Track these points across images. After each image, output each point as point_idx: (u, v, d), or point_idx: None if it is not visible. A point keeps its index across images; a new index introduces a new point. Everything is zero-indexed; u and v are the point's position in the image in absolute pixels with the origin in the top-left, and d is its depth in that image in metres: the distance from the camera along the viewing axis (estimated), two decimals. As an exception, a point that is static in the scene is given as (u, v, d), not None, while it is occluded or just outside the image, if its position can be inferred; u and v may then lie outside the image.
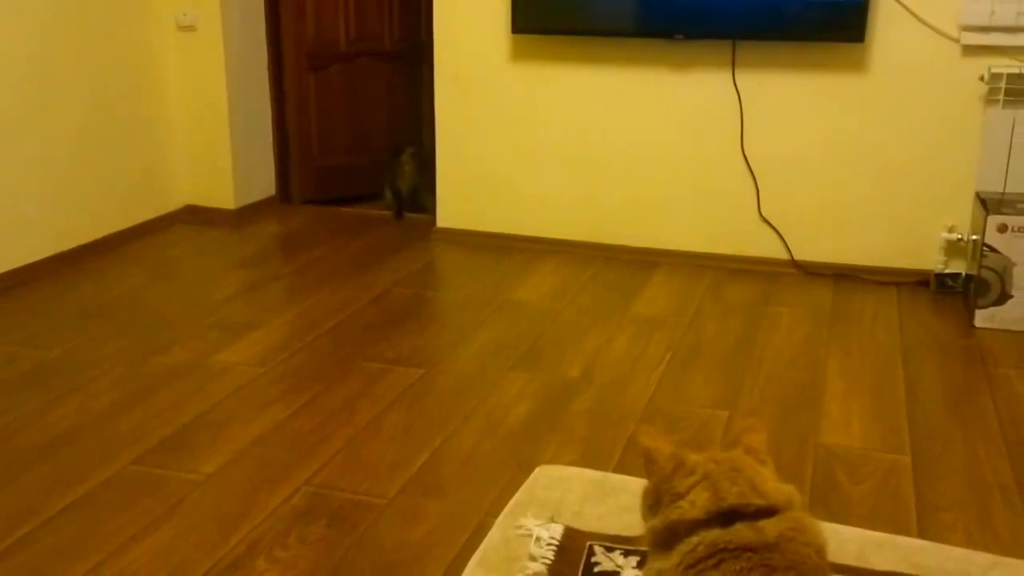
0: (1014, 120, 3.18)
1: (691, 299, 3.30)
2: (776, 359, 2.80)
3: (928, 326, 3.08)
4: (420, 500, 2.04)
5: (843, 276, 3.48)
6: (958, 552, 1.41)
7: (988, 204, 3.06)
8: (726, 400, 2.53)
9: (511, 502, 1.61)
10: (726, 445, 1.38)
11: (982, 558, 1.22)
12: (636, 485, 1.47)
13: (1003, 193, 3.21)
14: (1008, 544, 1.88)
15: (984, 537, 1.90)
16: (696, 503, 1.19)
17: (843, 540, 1.24)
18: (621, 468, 2.14)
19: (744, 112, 3.48)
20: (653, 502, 1.25)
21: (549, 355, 2.81)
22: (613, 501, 1.37)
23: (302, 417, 2.42)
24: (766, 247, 3.58)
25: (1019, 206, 3.05)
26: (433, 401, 2.51)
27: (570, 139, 3.71)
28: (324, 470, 2.16)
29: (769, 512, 1.18)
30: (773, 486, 1.23)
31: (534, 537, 1.55)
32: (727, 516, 1.18)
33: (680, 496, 1.21)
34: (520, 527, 1.35)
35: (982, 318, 3.03)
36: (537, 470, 1.55)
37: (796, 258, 3.55)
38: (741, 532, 1.16)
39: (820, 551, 1.16)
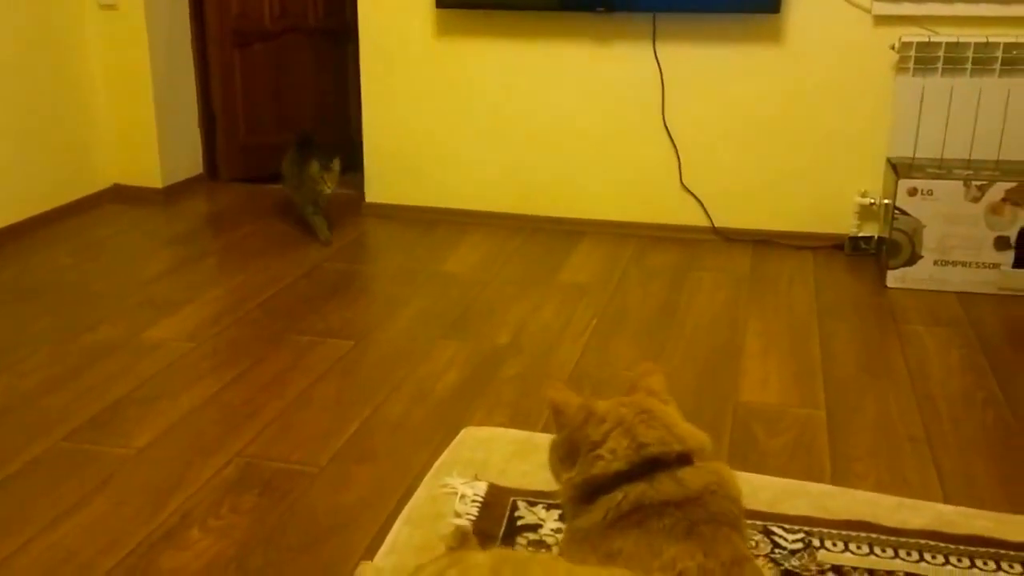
0: (923, 88, 3.30)
1: (615, 267, 3.38)
2: (697, 322, 2.90)
3: (842, 287, 3.20)
4: (351, 467, 2.08)
5: (762, 242, 3.59)
6: (865, 496, 1.50)
7: (899, 169, 3.18)
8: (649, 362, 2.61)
9: (437, 462, 1.66)
10: (627, 390, 1.43)
11: (888, 500, 1.30)
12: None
13: (913, 158, 3.33)
14: (917, 490, 1.98)
15: (894, 484, 2.00)
16: (617, 452, 1.19)
17: (756, 488, 1.31)
18: (548, 430, 2.19)
19: (665, 84, 3.56)
20: (566, 454, 1.26)
21: (478, 324, 2.87)
22: (537, 459, 1.42)
23: (233, 390, 2.44)
24: (688, 215, 3.67)
25: (928, 170, 3.17)
26: (364, 371, 2.55)
27: (496, 113, 3.75)
28: (256, 441, 2.19)
29: (687, 458, 1.20)
30: (687, 429, 1.27)
31: (459, 495, 1.60)
32: (649, 465, 1.19)
33: (597, 444, 1.21)
34: (445, 485, 1.40)
35: (893, 278, 3.16)
36: (463, 431, 1.59)
37: (716, 225, 3.65)
38: (664, 486, 1.16)
39: (737, 502, 1.19)
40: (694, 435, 1.27)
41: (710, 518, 1.15)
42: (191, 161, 4.37)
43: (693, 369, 2.57)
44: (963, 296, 3.07)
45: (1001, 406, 2.35)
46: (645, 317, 2.93)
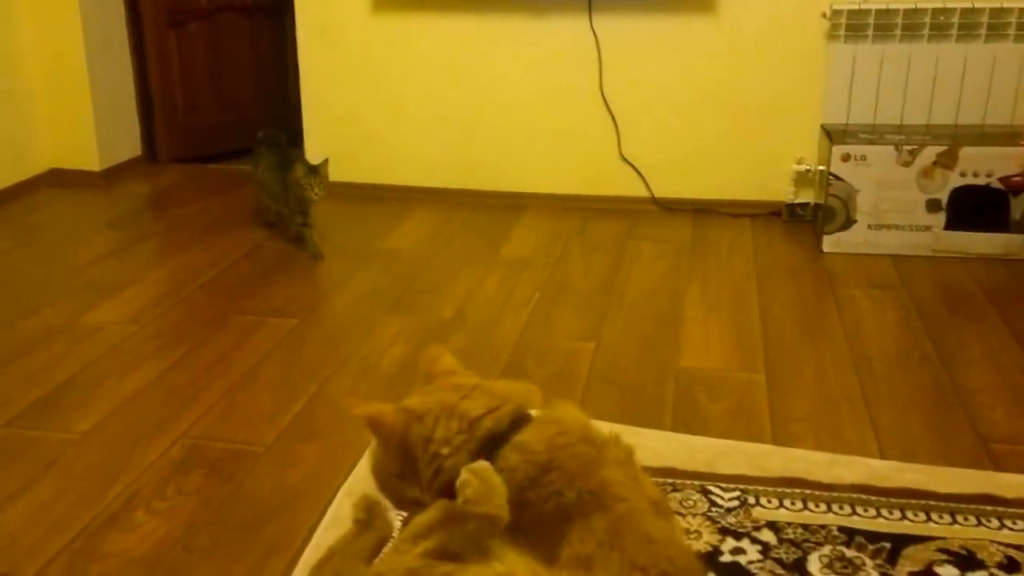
0: (855, 55, 3.35)
1: (558, 240, 3.40)
2: (638, 291, 2.93)
3: (780, 253, 3.26)
4: (297, 445, 2.09)
5: (701, 211, 3.64)
6: (799, 453, 1.54)
7: (833, 135, 3.24)
8: (592, 333, 2.64)
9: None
10: (424, 380, 1.30)
11: (821, 457, 1.34)
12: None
13: (846, 124, 3.39)
14: (854, 448, 2.02)
15: (832, 444, 2.06)
16: (452, 441, 1.06)
17: (694, 450, 1.34)
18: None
19: (602, 55, 3.57)
20: (401, 469, 1.10)
21: (422, 299, 2.87)
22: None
23: (177, 372, 2.42)
24: (628, 186, 3.70)
25: (861, 136, 3.24)
26: (308, 350, 2.55)
27: (435, 87, 3.73)
28: (201, 422, 2.18)
29: (521, 418, 1.09)
30: (504, 385, 1.17)
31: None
32: (489, 444, 1.07)
33: (431, 439, 1.06)
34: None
35: (829, 243, 3.23)
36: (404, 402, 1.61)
37: (656, 196, 3.69)
38: (510, 463, 1.04)
39: (592, 440, 1.09)
40: (515, 387, 1.18)
41: (571, 477, 1.03)
42: (129, 143, 4.29)
43: (635, 338, 2.60)
44: (897, 259, 3.15)
45: (935, 364, 2.42)
46: (587, 288, 2.96)
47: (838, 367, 2.43)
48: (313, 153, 3.89)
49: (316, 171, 3.20)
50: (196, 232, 3.50)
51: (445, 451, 1.05)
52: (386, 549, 1.16)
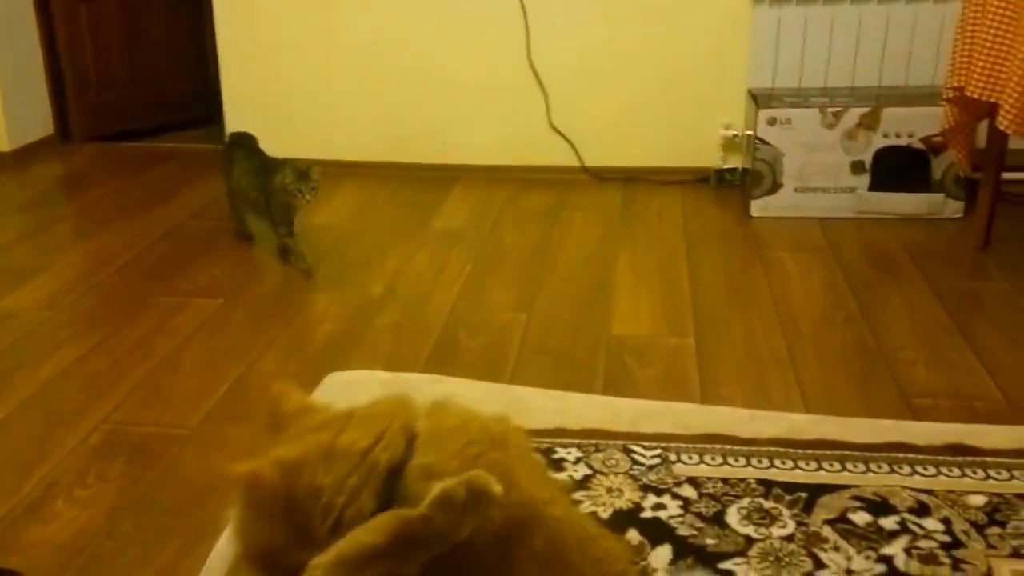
0: (779, 18, 3.37)
1: (489, 211, 3.37)
2: (570, 261, 2.92)
3: (709, 219, 3.27)
4: (224, 427, 2.04)
5: (631, 179, 3.64)
6: (721, 411, 1.54)
7: (759, 99, 3.26)
8: (524, 303, 2.62)
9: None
10: (272, 425, 1.11)
11: (743, 413, 1.34)
12: (427, 381, 1.53)
13: (772, 88, 3.42)
14: (781, 407, 2.05)
15: (759, 403, 2.07)
16: (347, 486, 0.88)
17: (617, 411, 1.33)
18: (429, 369, 2.19)
19: (529, 24, 3.54)
20: (290, 537, 0.90)
21: (351, 275, 2.83)
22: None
23: (95, 357, 2.35)
24: (558, 156, 3.68)
25: (786, 99, 3.26)
26: (234, 330, 2.49)
27: (360, 58, 3.67)
28: (122, 407, 2.11)
29: (413, 437, 0.94)
30: (378, 404, 1.00)
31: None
32: (391, 479, 0.91)
33: (320, 491, 0.89)
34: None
35: (757, 207, 3.25)
36: (327, 377, 1.57)
37: (587, 164, 3.68)
38: (419, 493, 0.88)
39: (494, 441, 0.95)
40: (392, 404, 1.01)
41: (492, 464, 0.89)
42: (41, 122, 4.15)
43: (567, 307, 2.59)
44: (824, 221, 3.18)
45: (859, 323, 2.45)
46: (520, 259, 2.94)
47: (766, 329, 2.45)
48: (235, 129, 3.79)
49: (307, 176, 2.82)
50: (113, 213, 3.39)
51: (341, 500, 0.87)
52: None
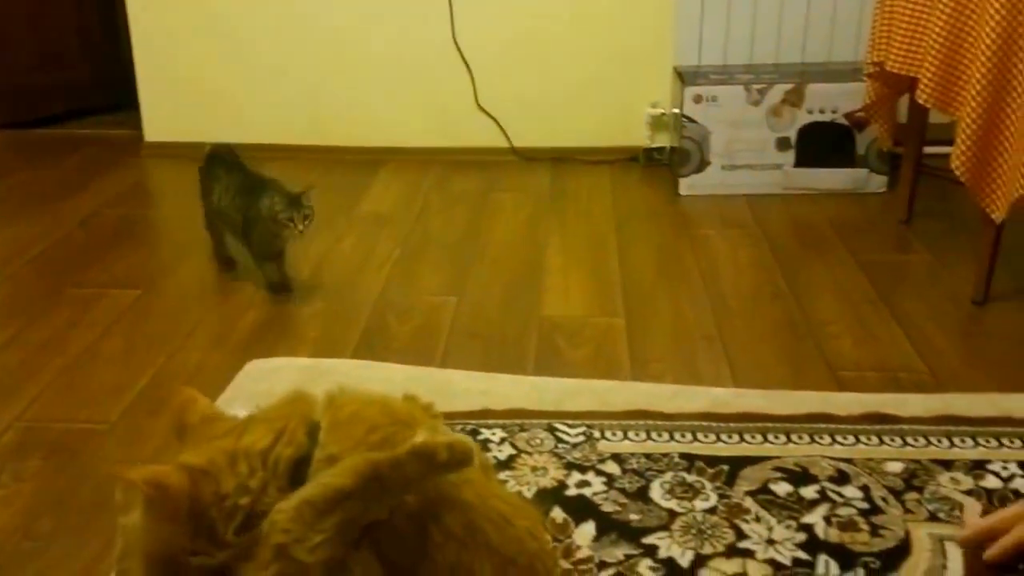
0: (704, -5, 3.39)
1: (417, 194, 3.33)
2: (500, 243, 2.90)
3: (638, 199, 3.28)
4: (145, 420, 1.98)
5: (560, 159, 3.62)
6: (645, 387, 1.54)
7: (685, 77, 3.26)
8: (454, 287, 2.59)
9: (220, 398, 1.60)
10: (179, 432, 1.08)
11: (667, 389, 1.33)
12: (351, 366, 1.50)
13: (698, 66, 3.42)
14: (709, 383, 2.06)
15: (689, 380, 2.08)
16: (251, 486, 0.87)
17: (543, 391, 1.32)
18: (358, 355, 2.17)
19: (453, 2, 3.49)
20: (195, 543, 0.87)
21: (276, 261, 2.77)
22: (322, 382, 1.37)
23: (6, 353, 2.25)
24: (486, 137, 3.64)
25: (712, 77, 3.27)
26: (154, 321, 2.42)
27: (279, 38, 3.58)
28: (36, 404, 2.04)
29: (315, 429, 0.92)
30: (278, 404, 0.97)
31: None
32: (295, 475, 0.89)
33: (225, 496, 0.87)
34: (226, 420, 1.35)
35: (685, 186, 3.26)
36: (247, 364, 1.53)
37: (515, 145, 3.65)
38: (337, 481, 0.86)
39: (399, 422, 0.93)
40: (292, 400, 0.98)
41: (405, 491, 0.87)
42: (-56, 110, 3.99)
43: (497, 290, 2.57)
44: (751, 198, 3.20)
45: (787, 299, 2.47)
46: (448, 242, 2.91)
47: (695, 306, 2.45)
48: (151, 113, 3.70)
49: (298, 202, 2.47)
50: (21, 204, 3.27)
51: (245, 500, 0.86)
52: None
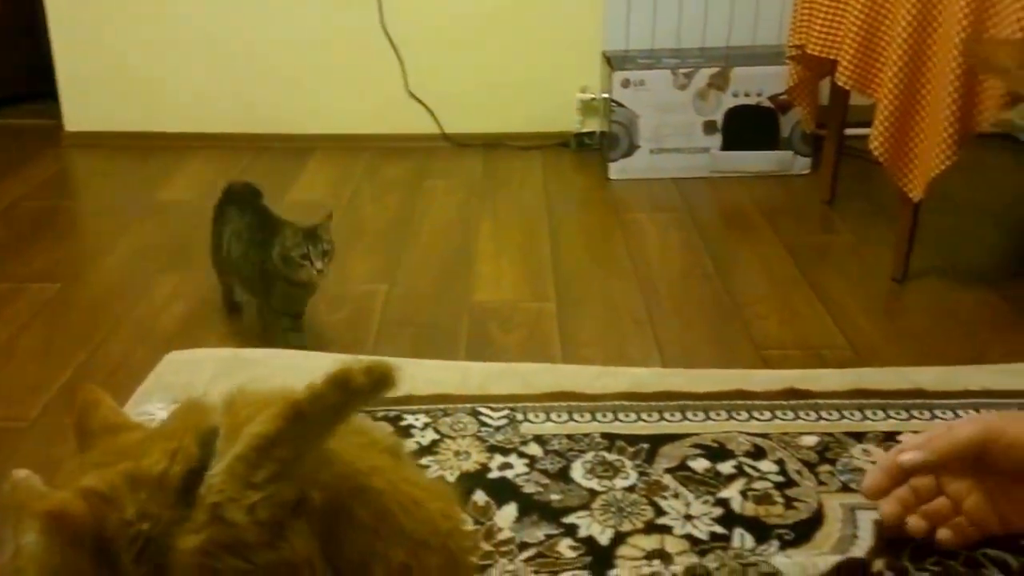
0: (631, -21, 3.40)
1: (348, 182, 3.30)
2: (432, 230, 2.89)
3: (569, 183, 3.29)
4: (66, 417, 1.92)
5: (492, 145, 3.61)
6: (569, 369, 1.55)
7: (613, 62, 3.28)
8: (385, 274, 2.58)
9: (137, 391, 1.56)
10: (80, 439, 0.97)
11: (592, 370, 1.34)
12: (273, 356, 1.47)
13: (626, 50, 3.44)
14: (638, 365, 2.09)
15: (619, 362, 2.11)
16: (151, 512, 0.82)
17: (468, 375, 1.31)
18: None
19: (380, -13, 3.47)
20: (105, 567, 0.81)
21: (202, 253, 2.68)
22: (243, 374, 1.36)
23: (-80, 351, 2.20)
24: (417, 123, 3.62)
25: (640, 61, 3.29)
26: (75, 315, 2.36)
27: (205, 25, 3.51)
28: (-48, 403, 1.99)
29: (211, 438, 0.86)
30: (182, 411, 0.92)
31: (155, 420, 1.51)
32: (190, 486, 0.83)
33: (130, 523, 0.82)
34: (143, 413, 1.32)
35: (615, 170, 3.28)
36: (166, 357, 1.50)
37: (447, 132, 3.63)
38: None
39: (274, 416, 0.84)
40: (194, 409, 0.92)
41: (313, 480, 0.85)
42: None
43: (429, 277, 2.57)
44: (680, 181, 3.23)
45: (715, 280, 2.51)
46: (380, 230, 2.89)
47: (624, 289, 2.47)
48: (71, 102, 3.60)
49: (315, 236, 2.09)
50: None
51: (147, 526, 0.82)
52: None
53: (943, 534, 0.90)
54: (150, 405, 1.41)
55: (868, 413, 1.14)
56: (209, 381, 1.45)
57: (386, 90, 3.59)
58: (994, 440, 0.87)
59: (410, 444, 1.13)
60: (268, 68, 3.58)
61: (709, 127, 3.22)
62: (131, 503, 0.82)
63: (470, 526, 0.97)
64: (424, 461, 1.10)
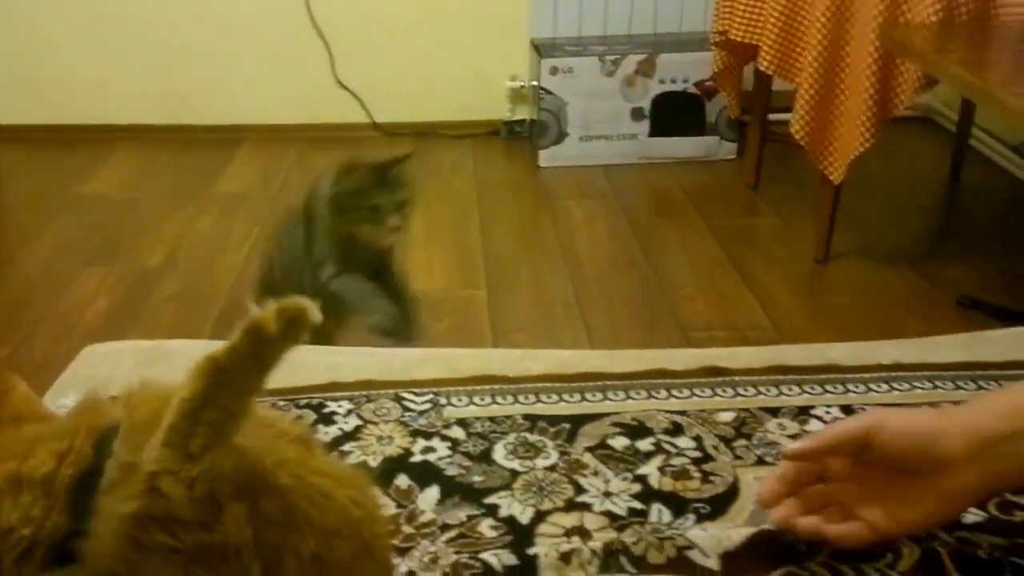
0: (558, -33, 3.42)
1: (277, 172, 3.27)
2: (363, 219, 2.88)
3: (500, 171, 3.30)
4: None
5: (422, 133, 3.60)
6: (494, 353, 1.56)
7: (541, 49, 3.30)
8: (316, 264, 2.57)
9: (55, 384, 1.54)
10: None
11: (516, 353, 1.35)
12: (195, 347, 1.46)
13: (554, 38, 3.46)
14: (567, 347, 2.11)
15: (549, 346, 2.12)
16: (33, 516, 0.79)
17: (391, 361, 1.31)
18: (216, 336, 2.12)
19: (306, -25, 3.43)
20: None
21: (127, 246, 2.67)
22: (164, 365, 1.34)
23: None
24: (347, 112, 3.60)
25: (568, 48, 3.31)
26: (-4, 310, 2.32)
27: (129, 15, 3.44)
28: None
29: (110, 435, 0.83)
30: (66, 417, 0.86)
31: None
32: (83, 487, 0.80)
33: (10, 531, 0.78)
34: (61, 407, 1.29)
35: (545, 158, 3.29)
36: (85, 349, 1.48)
37: (377, 120, 3.61)
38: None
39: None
40: (90, 407, 0.87)
41: None
42: None
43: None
44: (608, 168, 3.26)
45: (643, 265, 2.54)
46: (310, 220, 2.87)
47: (554, 275, 2.50)
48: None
49: (388, 177, 1.86)
50: None
51: (27, 531, 0.79)
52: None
53: (833, 530, 0.91)
54: (66, 399, 1.38)
55: (784, 389, 1.17)
56: (128, 372, 1.43)
57: (314, 79, 3.56)
58: (876, 432, 0.91)
59: (333, 431, 1.13)
60: (193, 58, 3.52)
61: (637, 114, 3.26)
62: (12, 508, 0.78)
63: (386, 511, 0.97)
64: (346, 447, 1.10)
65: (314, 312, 0.79)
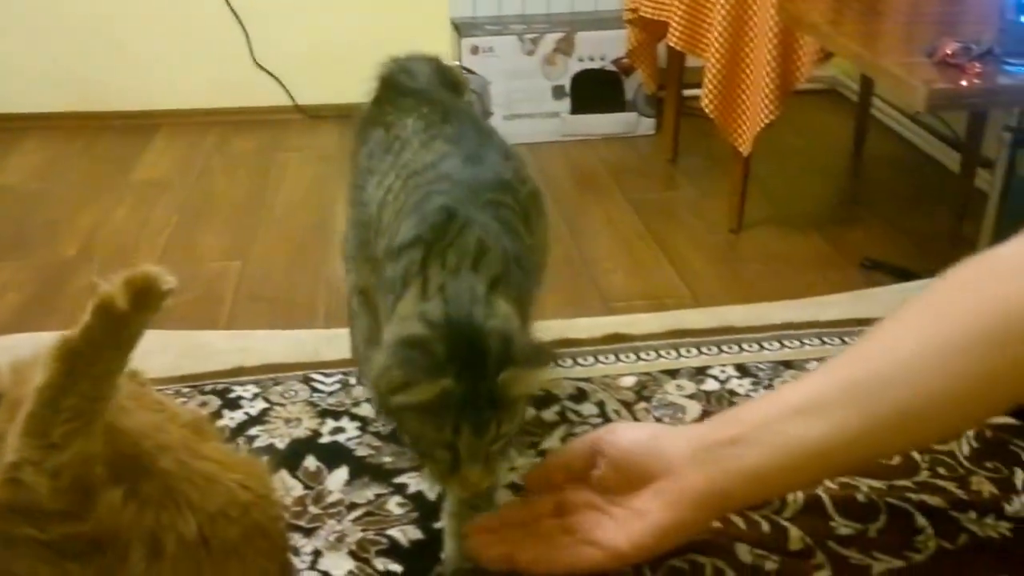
0: (477, -53, 3.41)
1: (196, 158, 3.22)
2: (287, 203, 2.85)
3: (423, 151, 3.29)
4: None
5: (347, 116, 3.50)
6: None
7: (461, 28, 3.29)
8: (239, 251, 2.53)
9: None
10: None
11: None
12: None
13: (474, 17, 3.45)
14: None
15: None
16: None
17: (300, 342, 1.32)
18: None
19: (218, -45, 3.37)
20: None
21: (38, 239, 2.61)
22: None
23: None
24: (267, 95, 3.55)
25: (487, 27, 3.31)
26: (-102, 309, 2.25)
27: None
28: None
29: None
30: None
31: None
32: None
33: None
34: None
35: (468, 137, 3.29)
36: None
37: (299, 103, 3.58)
38: None
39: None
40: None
41: None
42: None
43: (284, 251, 2.53)
44: (533, 146, 3.25)
45: (566, 240, 2.56)
46: (233, 206, 2.83)
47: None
48: None
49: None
50: None
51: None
52: None
53: (525, 557, 0.90)
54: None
55: (683, 351, 1.21)
56: (25, 365, 1.42)
57: (231, 61, 3.50)
58: (604, 438, 0.93)
59: (238, 416, 1.13)
60: (103, 42, 3.43)
61: (558, 92, 3.28)
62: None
63: (282, 494, 0.98)
64: (252, 431, 1.11)
65: (165, 278, 0.77)
